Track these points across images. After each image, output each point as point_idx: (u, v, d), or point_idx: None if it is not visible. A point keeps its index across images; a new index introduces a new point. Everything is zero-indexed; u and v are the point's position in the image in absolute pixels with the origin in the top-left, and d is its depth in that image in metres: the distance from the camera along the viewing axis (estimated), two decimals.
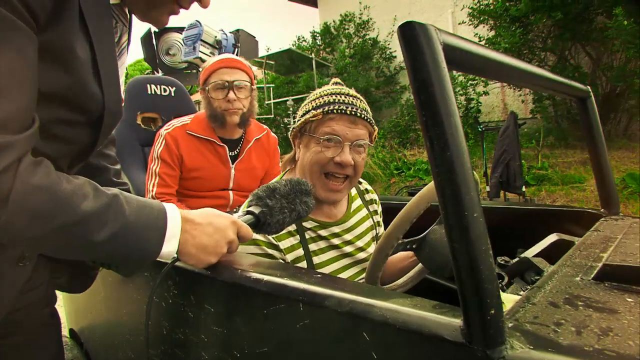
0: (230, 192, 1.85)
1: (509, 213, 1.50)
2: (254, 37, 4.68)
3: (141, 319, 1.04)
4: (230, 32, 4.32)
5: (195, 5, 0.79)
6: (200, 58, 3.75)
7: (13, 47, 0.55)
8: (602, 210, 1.24)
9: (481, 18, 6.37)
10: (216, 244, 0.78)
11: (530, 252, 0.97)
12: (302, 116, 1.14)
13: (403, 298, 0.60)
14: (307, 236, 1.11)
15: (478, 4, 6.43)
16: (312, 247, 1.11)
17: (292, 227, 1.09)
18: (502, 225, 1.26)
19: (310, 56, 8.86)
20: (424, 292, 0.89)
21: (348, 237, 1.18)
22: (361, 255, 1.19)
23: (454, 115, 0.50)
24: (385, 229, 1.30)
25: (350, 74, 9.10)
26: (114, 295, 1.23)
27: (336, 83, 1.17)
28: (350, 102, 1.09)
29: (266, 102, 9.21)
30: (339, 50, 10.04)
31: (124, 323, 1.18)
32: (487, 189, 4.38)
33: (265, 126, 2.04)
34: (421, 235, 1.00)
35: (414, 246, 1.00)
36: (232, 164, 1.83)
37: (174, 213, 0.75)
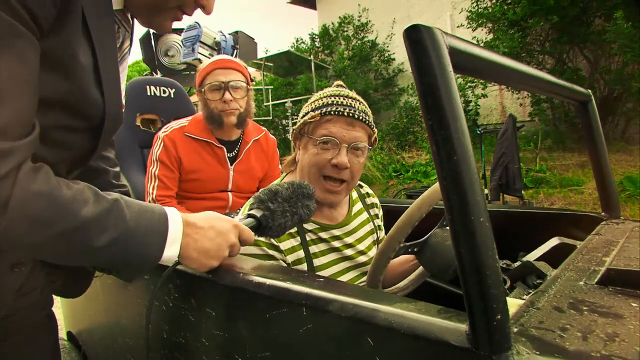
0: (229, 194, 1.85)
1: (509, 216, 1.50)
2: (253, 39, 4.69)
3: (141, 322, 1.03)
4: (229, 34, 4.32)
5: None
6: (199, 59, 3.75)
7: (15, 52, 0.55)
8: (602, 213, 1.24)
9: (479, 21, 6.39)
10: (218, 247, 0.77)
11: (532, 256, 0.96)
12: (302, 118, 1.14)
13: (407, 303, 0.59)
14: (307, 238, 1.11)
15: (476, 7, 6.45)
16: (313, 249, 1.11)
17: (293, 229, 1.08)
18: (502, 228, 1.26)
19: (309, 58, 8.86)
20: (424, 295, 0.89)
21: (349, 240, 1.17)
22: (361, 258, 1.18)
23: (460, 119, 0.50)
24: (385, 232, 1.30)
25: (349, 76, 9.11)
26: (113, 298, 1.22)
27: (338, 85, 1.17)
28: (348, 104, 1.09)
29: (265, 104, 9.20)
30: (337, 52, 10.05)
31: (124, 326, 1.17)
32: (486, 191, 4.39)
33: (263, 127, 2.03)
34: (423, 238, 1.00)
35: (415, 249, 1.00)
36: (231, 165, 1.82)
37: (175, 217, 0.74)
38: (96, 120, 0.73)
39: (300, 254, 1.08)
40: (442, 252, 0.96)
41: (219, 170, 1.80)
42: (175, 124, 1.79)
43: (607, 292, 0.66)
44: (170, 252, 0.73)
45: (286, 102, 8.41)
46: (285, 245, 1.06)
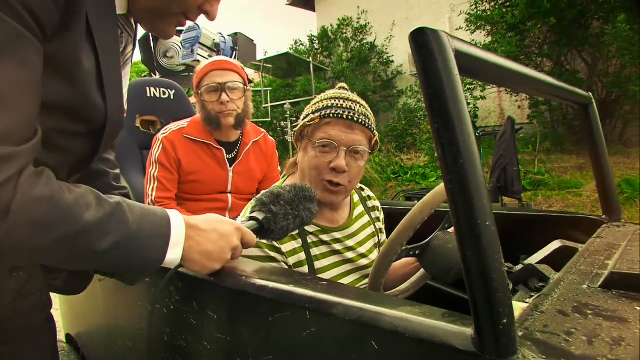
0: (229, 195, 1.85)
1: (509, 219, 1.50)
2: (252, 41, 4.68)
3: (141, 324, 1.03)
4: (229, 36, 4.32)
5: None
6: (198, 61, 3.74)
7: (19, 57, 0.54)
8: (603, 216, 1.24)
9: (478, 24, 6.41)
10: (221, 250, 0.77)
11: (533, 259, 0.96)
12: (302, 120, 1.13)
13: (412, 306, 0.59)
14: (308, 240, 1.10)
15: (475, 10, 6.47)
16: (314, 251, 1.10)
17: (295, 231, 1.08)
18: (502, 231, 1.25)
19: (308, 60, 8.87)
20: (425, 298, 0.89)
21: (350, 243, 1.17)
22: (362, 261, 1.18)
23: (467, 122, 0.49)
24: (387, 235, 1.30)
25: (348, 78, 9.13)
26: (113, 300, 1.22)
27: (341, 87, 1.17)
28: (348, 107, 1.08)
29: (263, 106, 9.20)
30: (336, 54, 10.07)
31: (123, 328, 1.17)
32: None
33: (262, 129, 2.03)
34: (424, 241, 1.00)
35: (417, 252, 0.99)
36: (230, 166, 1.82)
37: (177, 220, 0.74)
38: (98, 125, 0.72)
39: (302, 256, 1.08)
40: (444, 255, 0.96)
41: (218, 171, 1.80)
42: (173, 126, 1.79)
43: (611, 296, 0.66)
44: (173, 255, 0.72)
45: (285, 104, 8.41)
46: (286, 247, 1.06)
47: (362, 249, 1.19)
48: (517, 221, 1.48)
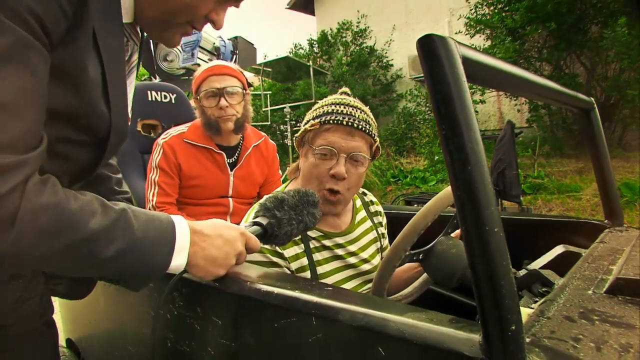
0: (230, 200, 1.84)
1: (512, 224, 1.50)
2: (252, 45, 4.70)
3: (143, 329, 1.02)
4: (229, 39, 4.33)
5: None
6: (198, 64, 3.75)
7: (26, 65, 0.54)
8: (605, 221, 1.24)
9: (477, 28, 6.43)
10: (225, 256, 0.77)
11: (537, 264, 0.96)
12: (304, 125, 1.13)
13: (419, 312, 0.59)
14: (311, 245, 1.10)
15: (475, 14, 6.49)
16: (316, 256, 1.10)
17: (298, 236, 1.08)
18: (505, 236, 1.26)
19: (308, 64, 8.88)
20: (427, 302, 0.88)
21: (352, 248, 1.17)
22: (365, 267, 1.18)
23: (474, 128, 0.50)
24: (389, 240, 1.30)
25: (347, 82, 9.13)
26: (115, 305, 1.21)
27: (343, 93, 1.16)
28: (348, 113, 1.07)
29: (263, 109, 9.20)
30: (336, 58, 10.08)
31: (125, 333, 1.16)
32: None
33: (262, 133, 2.03)
34: (428, 246, 0.99)
35: (420, 257, 0.99)
36: (231, 171, 1.82)
37: (182, 225, 0.74)
38: (102, 134, 0.72)
39: (304, 261, 1.07)
40: (447, 260, 0.96)
41: (218, 176, 1.80)
42: (174, 131, 1.79)
43: (617, 302, 0.65)
44: (178, 261, 0.72)
45: (284, 107, 8.41)
46: (289, 252, 1.06)
47: (364, 254, 1.19)
48: (520, 226, 1.48)
